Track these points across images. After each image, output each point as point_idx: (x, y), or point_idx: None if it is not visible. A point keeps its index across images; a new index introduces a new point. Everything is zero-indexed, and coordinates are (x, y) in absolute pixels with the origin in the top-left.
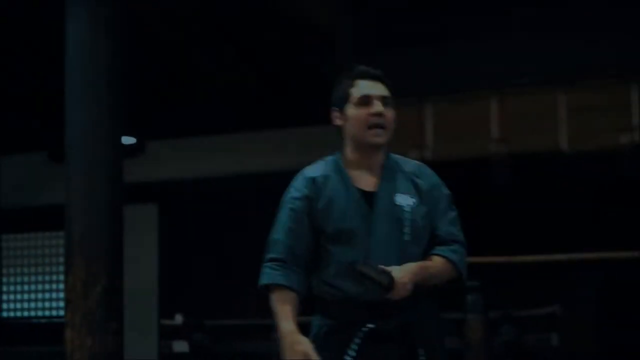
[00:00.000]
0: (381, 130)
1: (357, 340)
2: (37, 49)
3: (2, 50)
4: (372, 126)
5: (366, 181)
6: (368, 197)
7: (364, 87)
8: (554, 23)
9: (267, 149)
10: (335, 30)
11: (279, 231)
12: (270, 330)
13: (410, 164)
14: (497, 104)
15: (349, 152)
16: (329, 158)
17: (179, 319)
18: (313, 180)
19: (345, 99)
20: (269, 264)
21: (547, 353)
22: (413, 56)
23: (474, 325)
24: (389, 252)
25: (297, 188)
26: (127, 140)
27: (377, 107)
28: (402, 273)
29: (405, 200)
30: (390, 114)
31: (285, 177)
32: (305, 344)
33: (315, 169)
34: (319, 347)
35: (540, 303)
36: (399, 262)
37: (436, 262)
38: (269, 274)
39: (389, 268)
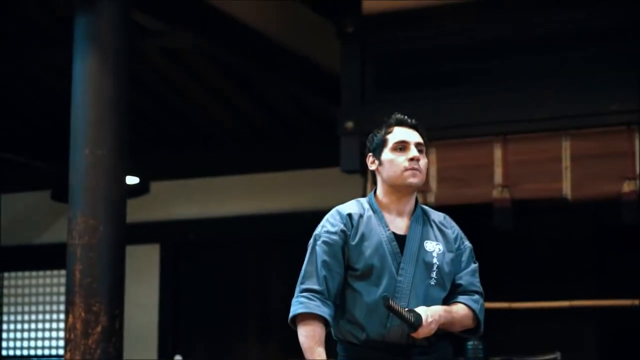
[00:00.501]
0: (417, 172)
1: None
2: (43, 87)
3: (7, 88)
4: (408, 169)
5: (398, 224)
6: (399, 239)
7: (401, 133)
8: (560, 69)
9: (272, 191)
10: (342, 75)
11: (314, 263)
12: None
13: (436, 214)
14: (500, 150)
15: (382, 195)
16: (362, 199)
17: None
18: (349, 216)
19: (382, 144)
20: (304, 294)
21: None
22: (417, 101)
23: None
24: (415, 295)
25: (332, 223)
26: (131, 180)
27: (414, 152)
28: (429, 313)
29: (433, 246)
30: (424, 160)
31: (290, 219)
32: None
33: (350, 206)
34: None
35: (541, 350)
36: (419, 304)
37: (459, 309)
38: (305, 304)
39: (416, 308)
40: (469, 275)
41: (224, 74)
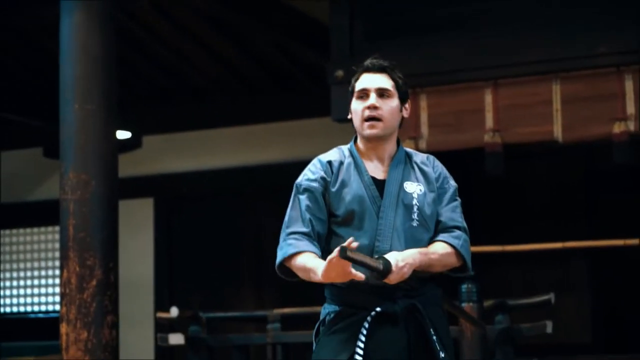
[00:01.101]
0: (376, 122)
1: (366, 324)
2: (33, 45)
3: None
4: (366, 119)
5: (377, 169)
6: (379, 184)
7: (363, 81)
8: (548, 12)
9: (264, 142)
10: (331, 24)
11: (297, 208)
12: (265, 321)
13: (420, 156)
14: (491, 95)
15: (360, 142)
16: (344, 146)
17: (174, 311)
18: (329, 163)
19: (351, 93)
20: (290, 236)
21: (541, 341)
22: (407, 48)
23: (468, 314)
24: (397, 237)
25: (312, 171)
26: (123, 135)
27: (371, 99)
28: (400, 257)
29: (413, 187)
30: (389, 106)
31: (283, 170)
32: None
33: (330, 154)
34: (330, 331)
35: (534, 292)
36: (407, 247)
37: (437, 248)
38: (293, 244)
39: (387, 254)
40: (449, 212)
41: (214, 27)
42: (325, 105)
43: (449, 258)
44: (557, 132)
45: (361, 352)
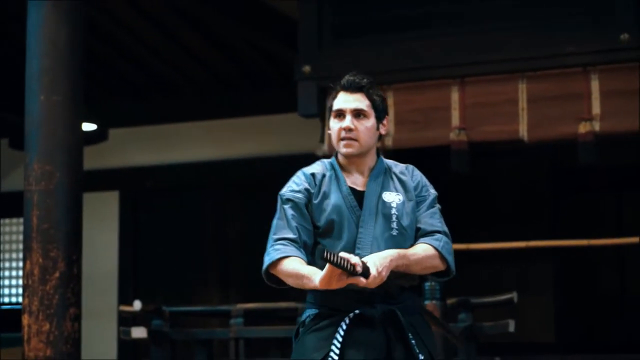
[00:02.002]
0: (352, 141)
1: (343, 325)
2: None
3: None
4: (342, 139)
5: (357, 181)
6: (358, 195)
7: (340, 101)
8: (516, 11)
9: (231, 137)
10: (299, 20)
11: (284, 217)
12: (229, 316)
13: (399, 166)
14: (457, 93)
15: (339, 156)
16: (327, 160)
17: (137, 305)
18: (312, 175)
19: (330, 110)
20: (278, 242)
21: (505, 340)
22: (374, 45)
23: (432, 312)
24: (377, 246)
25: (297, 182)
26: (89, 127)
27: (346, 122)
28: (378, 261)
29: (392, 197)
30: (364, 126)
31: (250, 166)
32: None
33: (314, 167)
34: (308, 330)
35: (498, 291)
36: None
37: (416, 250)
38: (281, 250)
39: (365, 257)
40: (427, 218)
41: (184, 21)
42: (294, 101)
43: (431, 260)
44: (523, 131)
45: (337, 350)
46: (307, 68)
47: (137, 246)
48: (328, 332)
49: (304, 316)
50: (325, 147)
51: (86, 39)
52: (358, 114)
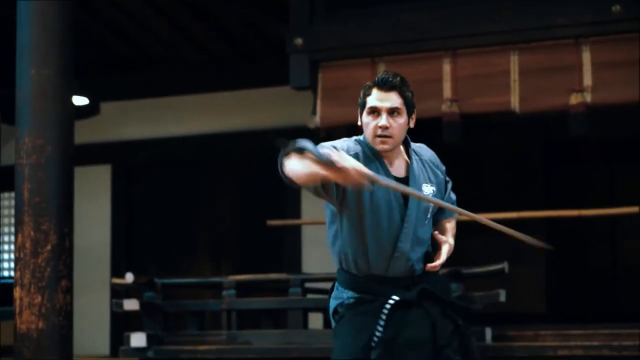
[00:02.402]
0: (387, 138)
1: (385, 311)
2: None
3: None
4: (378, 136)
5: (395, 168)
6: (400, 182)
7: (374, 98)
8: None
9: (223, 110)
10: None
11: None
12: (221, 288)
13: (426, 152)
14: (449, 65)
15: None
16: (356, 139)
17: (129, 277)
18: (356, 155)
19: (362, 106)
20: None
21: (496, 310)
22: (366, 17)
23: None
24: (415, 238)
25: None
26: (81, 101)
27: (383, 120)
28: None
29: (428, 190)
30: (398, 123)
31: (242, 139)
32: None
33: (351, 148)
34: (351, 313)
35: (489, 261)
36: (416, 246)
37: (453, 228)
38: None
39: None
40: (448, 197)
41: None
42: (285, 74)
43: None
44: (515, 103)
45: (381, 330)
46: (298, 41)
47: (129, 219)
48: (370, 316)
49: (340, 297)
50: (317, 119)
51: (77, 14)
52: (392, 111)
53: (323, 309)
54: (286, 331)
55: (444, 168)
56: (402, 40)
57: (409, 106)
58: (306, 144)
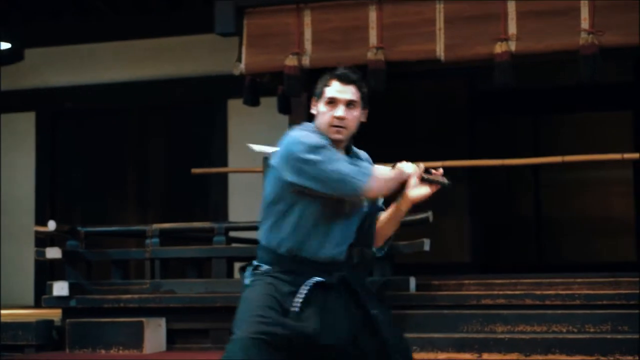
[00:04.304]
0: (342, 129)
1: (304, 289)
2: None
3: None
4: (333, 126)
5: None
6: None
7: (333, 89)
8: None
9: (150, 57)
10: None
11: (328, 152)
12: (144, 236)
13: (364, 155)
14: (375, 12)
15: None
16: (311, 126)
17: (52, 225)
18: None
19: (320, 95)
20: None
21: (421, 260)
22: None
23: None
24: (353, 225)
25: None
26: (4, 46)
27: (340, 111)
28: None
29: None
30: (353, 115)
31: (165, 86)
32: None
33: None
34: (267, 281)
35: (413, 210)
36: (359, 229)
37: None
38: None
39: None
40: None
41: None
42: (210, 21)
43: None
44: (440, 51)
45: (295, 309)
46: None
47: (54, 167)
48: (287, 289)
49: (262, 268)
50: (242, 66)
51: None
52: (349, 104)
53: (248, 258)
54: (210, 280)
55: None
56: None
57: (364, 102)
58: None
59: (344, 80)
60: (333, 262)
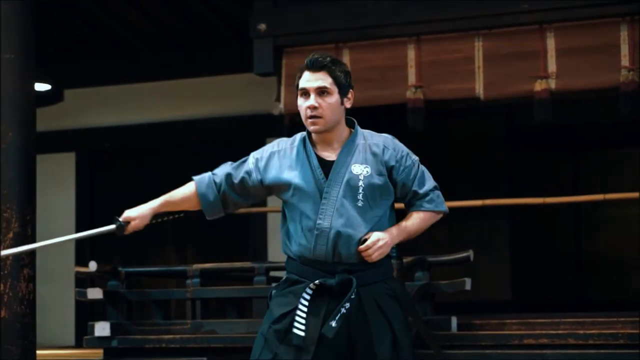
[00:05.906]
0: (317, 119)
1: (307, 292)
2: None
3: None
4: (309, 117)
5: (328, 152)
6: (328, 166)
7: (304, 80)
8: None
9: (188, 97)
10: None
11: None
12: (185, 276)
13: (375, 137)
14: (414, 51)
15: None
16: (298, 135)
17: (93, 265)
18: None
19: (297, 89)
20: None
21: (461, 299)
22: (331, 2)
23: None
24: (339, 215)
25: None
26: (44, 87)
27: (311, 100)
28: (379, 235)
29: (360, 169)
30: (327, 103)
31: (203, 126)
32: None
33: (276, 145)
34: (279, 293)
35: (454, 249)
36: (349, 226)
37: (414, 219)
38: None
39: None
40: (418, 182)
41: None
42: (250, 60)
43: (429, 221)
44: (479, 89)
45: (301, 319)
46: (262, 26)
47: (93, 207)
48: (291, 298)
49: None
50: (282, 106)
51: None
52: (322, 91)
53: None
54: (251, 320)
55: (402, 154)
56: (366, 25)
57: (341, 86)
58: None
59: (313, 67)
60: (331, 262)
